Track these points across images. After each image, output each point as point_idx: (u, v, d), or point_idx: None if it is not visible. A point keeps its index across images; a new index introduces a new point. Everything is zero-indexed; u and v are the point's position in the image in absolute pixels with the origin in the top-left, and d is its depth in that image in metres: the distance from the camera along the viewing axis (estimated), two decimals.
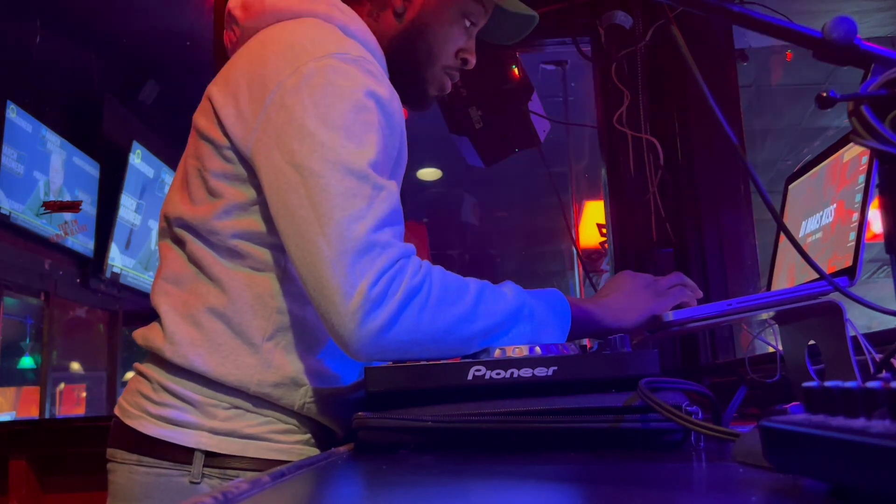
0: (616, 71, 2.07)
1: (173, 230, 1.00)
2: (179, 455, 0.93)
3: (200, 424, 0.94)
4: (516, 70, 2.14)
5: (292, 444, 0.97)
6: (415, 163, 5.88)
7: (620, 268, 2.07)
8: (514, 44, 1.21)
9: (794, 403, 0.99)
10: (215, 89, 0.97)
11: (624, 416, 0.70)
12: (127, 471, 0.95)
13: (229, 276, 0.95)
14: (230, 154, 0.94)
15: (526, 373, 0.75)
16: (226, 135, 0.93)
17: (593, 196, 4.76)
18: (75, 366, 6.37)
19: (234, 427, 0.94)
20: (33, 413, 5.68)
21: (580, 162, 4.24)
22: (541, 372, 0.75)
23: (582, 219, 4.89)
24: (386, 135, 0.91)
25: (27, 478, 1.86)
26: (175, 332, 0.95)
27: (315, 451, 0.99)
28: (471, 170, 2.49)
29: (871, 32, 2.94)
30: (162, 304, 0.98)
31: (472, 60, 1.10)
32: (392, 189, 0.87)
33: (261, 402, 0.95)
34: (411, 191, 6.17)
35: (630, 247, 2.06)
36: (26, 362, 5.85)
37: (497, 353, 0.81)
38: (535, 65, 3.16)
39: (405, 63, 1.06)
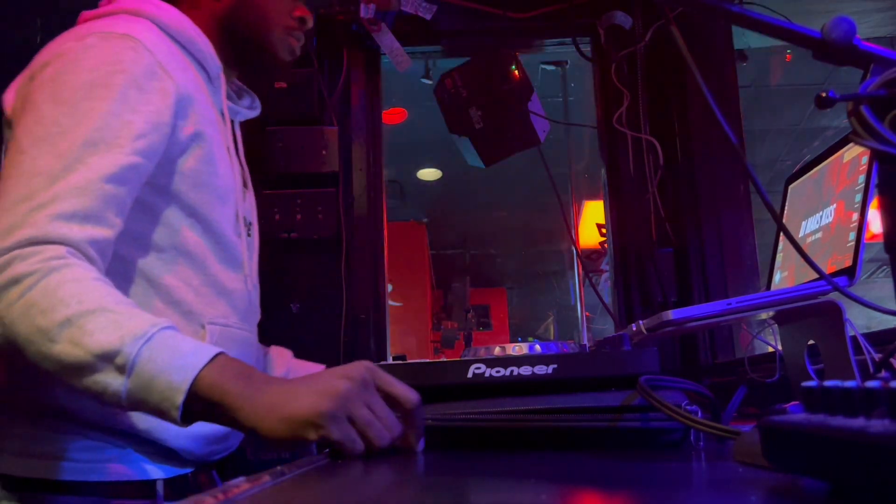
0: (616, 71, 2.07)
1: None
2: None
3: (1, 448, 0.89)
4: (516, 70, 2.14)
5: (87, 462, 0.90)
6: (415, 163, 5.87)
7: (620, 267, 2.07)
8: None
9: (793, 403, 0.99)
10: None
11: (623, 415, 0.70)
12: None
13: None
14: None
15: (526, 371, 0.75)
16: None
17: (593, 196, 4.75)
18: None
19: (22, 446, 0.89)
20: None
21: (580, 162, 4.24)
22: (540, 370, 0.75)
23: (582, 219, 4.89)
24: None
25: None
26: None
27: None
28: (471, 170, 2.49)
29: (870, 32, 2.94)
30: None
31: (310, 18, 1.10)
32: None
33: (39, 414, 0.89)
34: (411, 191, 6.16)
35: (630, 247, 2.06)
36: None
37: (497, 351, 0.81)
38: (535, 65, 3.17)
39: (244, 34, 1.08)
